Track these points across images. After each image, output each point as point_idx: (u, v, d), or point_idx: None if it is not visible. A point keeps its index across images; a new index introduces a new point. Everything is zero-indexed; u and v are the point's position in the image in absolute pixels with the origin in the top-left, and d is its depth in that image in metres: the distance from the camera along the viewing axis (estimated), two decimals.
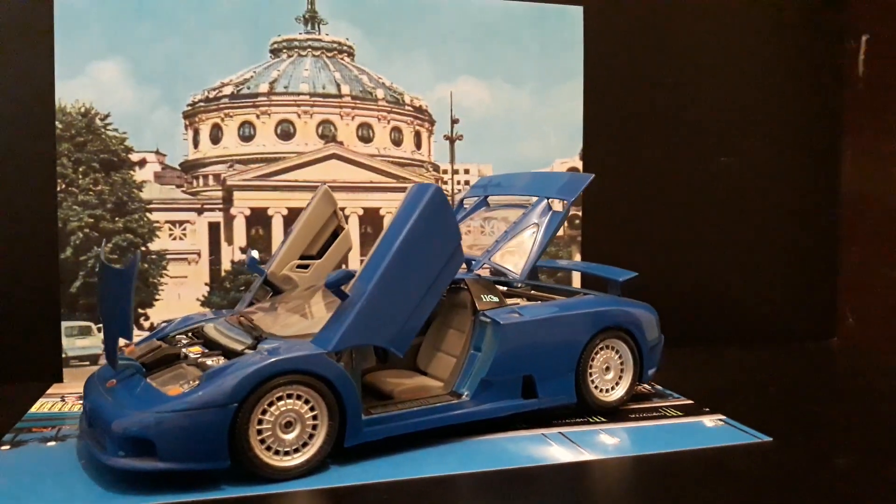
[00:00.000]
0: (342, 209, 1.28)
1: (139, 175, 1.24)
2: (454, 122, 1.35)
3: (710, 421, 1.03)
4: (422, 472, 0.85)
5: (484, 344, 0.98)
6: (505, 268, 1.04)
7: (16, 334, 1.21)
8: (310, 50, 1.29)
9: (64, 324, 1.22)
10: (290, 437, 0.83)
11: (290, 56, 1.28)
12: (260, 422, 0.81)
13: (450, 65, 1.34)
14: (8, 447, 0.93)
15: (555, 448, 0.92)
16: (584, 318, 1.04)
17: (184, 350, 0.94)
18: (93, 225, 1.22)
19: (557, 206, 1.08)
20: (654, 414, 1.06)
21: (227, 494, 0.79)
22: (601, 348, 1.05)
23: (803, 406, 1.13)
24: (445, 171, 1.35)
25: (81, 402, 0.95)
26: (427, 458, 0.89)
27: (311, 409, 0.84)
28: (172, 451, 0.78)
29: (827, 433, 1.01)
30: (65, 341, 1.22)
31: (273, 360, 0.81)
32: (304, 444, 0.84)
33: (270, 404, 0.82)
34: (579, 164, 1.39)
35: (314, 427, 0.84)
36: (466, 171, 1.36)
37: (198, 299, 1.26)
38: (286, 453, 0.83)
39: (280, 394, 0.82)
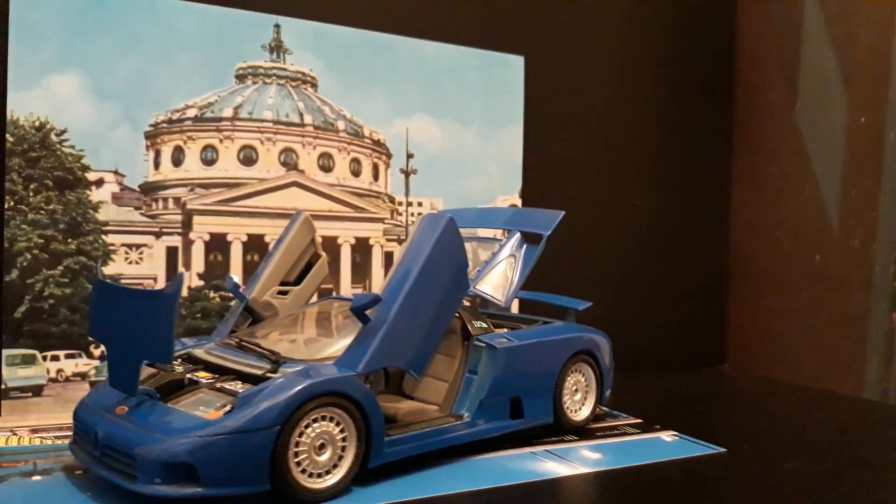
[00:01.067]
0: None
1: (95, 195, 1.18)
2: (409, 156, 1.40)
3: (666, 436, 1.14)
4: (440, 489, 0.89)
5: (480, 367, 1.03)
6: (490, 295, 1.11)
7: None
8: (275, 78, 1.30)
9: (5, 352, 1.13)
10: (323, 458, 0.84)
11: (255, 83, 1.28)
12: (297, 444, 0.82)
13: (406, 102, 1.40)
14: None
15: (549, 464, 0.99)
16: (561, 344, 1.12)
17: (188, 375, 0.92)
18: (43, 246, 1.14)
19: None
20: (616, 432, 1.16)
21: None
22: (571, 371, 1.14)
23: (735, 420, 1.29)
24: (400, 203, 1.40)
25: (75, 430, 0.89)
26: (439, 478, 0.93)
27: (341, 430, 0.85)
28: (215, 475, 0.77)
29: (767, 442, 1.16)
30: (4, 371, 1.13)
31: (314, 381, 0.83)
32: (335, 466, 0.85)
33: (307, 426, 0.82)
34: (519, 201, 1.49)
35: (343, 449, 0.86)
36: (420, 204, 1.41)
37: None
38: (318, 475, 0.84)
39: (316, 416, 0.83)
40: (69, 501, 0.81)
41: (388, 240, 1.39)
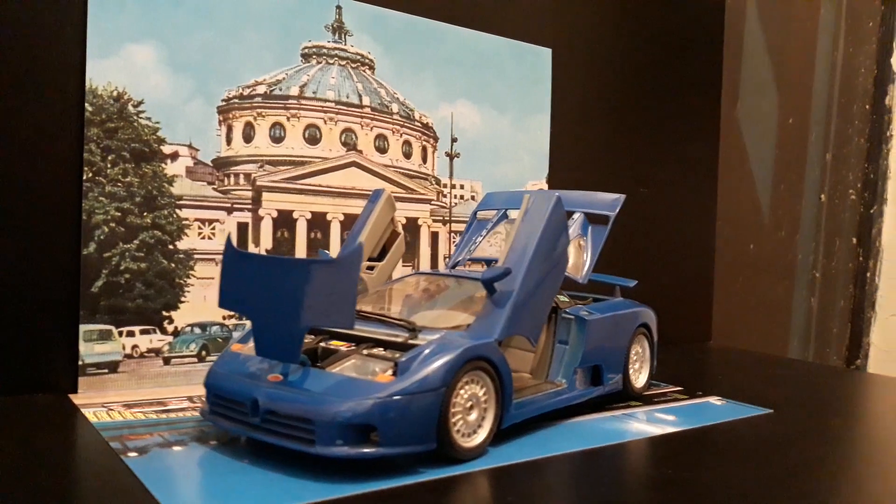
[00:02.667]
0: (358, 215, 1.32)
1: (170, 168, 1.16)
2: (454, 140, 1.45)
3: (714, 400, 1.25)
4: (559, 449, 0.95)
5: (570, 338, 1.10)
6: (569, 274, 1.18)
7: (26, 339, 1.07)
8: (336, 59, 1.31)
9: (83, 327, 1.10)
10: (471, 419, 0.89)
11: (318, 62, 1.30)
12: (454, 405, 0.86)
13: (451, 87, 1.44)
14: (136, 454, 0.85)
15: (637, 425, 1.08)
16: (630, 318, 1.21)
17: (321, 344, 0.94)
18: (119, 219, 1.12)
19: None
20: (668, 398, 1.26)
21: (428, 477, 0.83)
22: (634, 343, 1.23)
23: (757, 386, 1.42)
24: (445, 185, 1.45)
25: (215, 400, 0.89)
26: (552, 439, 0.99)
27: (484, 393, 0.90)
28: (392, 435, 0.81)
29: (803, 403, 1.29)
30: (82, 347, 1.10)
31: (469, 346, 0.87)
32: (479, 427, 0.90)
33: (461, 388, 0.87)
34: (546, 186, 1.57)
35: (485, 410, 0.91)
36: (462, 186, 1.47)
37: None
38: (467, 435, 0.88)
39: (468, 379, 0.88)
40: (231, 468, 0.82)
41: (434, 220, 1.44)
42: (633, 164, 1.75)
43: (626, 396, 1.21)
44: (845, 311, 2.81)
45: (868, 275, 2.79)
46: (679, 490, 0.83)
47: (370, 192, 1.34)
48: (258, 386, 0.85)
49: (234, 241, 0.92)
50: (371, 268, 1.16)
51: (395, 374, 0.84)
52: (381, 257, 1.18)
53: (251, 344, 0.97)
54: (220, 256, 1.17)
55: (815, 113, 2.72)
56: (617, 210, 1.23)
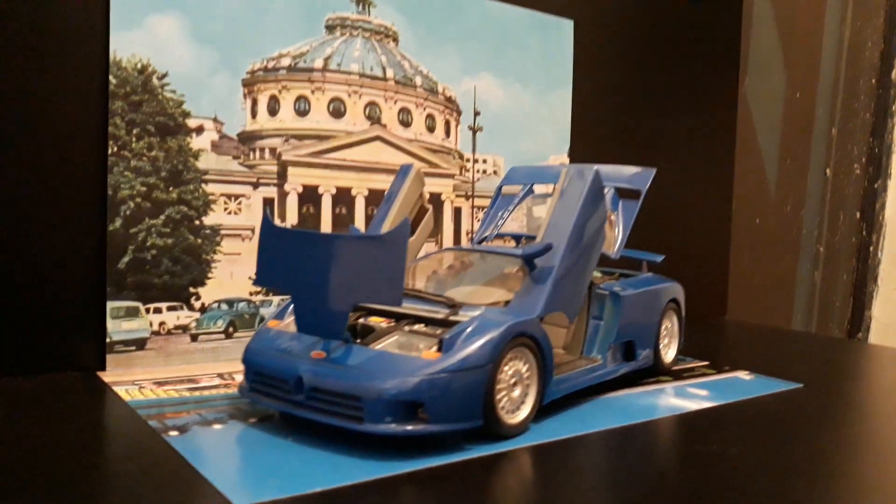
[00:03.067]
0: (383, 191, 1.30)
1: (196, 143, 1.14)
2: (476, 114, 1.43)
3: (743, 375, 1.25)
4: (601, 425, 0.94)
5: (605, 313, 1.10)
6: (602, 249, 1.17)
7: (53, 317, 1.05)
8: (360, 30, 1.29)
9: (110, 304, 1.08)
10: (515, 395, 0.88)
11: (343, 34, 1.27)
12: (498, 381, 0.85)
13: (474, 60, 1.42)
14: (176, 433, 0.84)
15: (673, 400, 1.08)
16: (661, 293, 1.20)
17: (360, 321, 0.93)
18: (145, 194, 1.10)
19: None
20: (697, 373, 1.26)
21: (475, 454, 0.82)
22: (663, 318, 1.22)
23: (781, 361, 1.42)
24: (468, 160, 1.43)
25: (255, 377, 0.88)
26: (592, 415, 0.98)
27: (527, 369, 0.90)
28: (440, 412, 0.80)
29: (832, 378, 1.28)
30: (110, 324, 1.08)
31: (514, 322, 0.86)
32: (522, 403, 0.89)
33: (505, 365, 0.86)
34: (567, 161, 1.56)
35: (527, 387, 0.90)
36: (484, 161, 1.45)
37: (250, 278, 1.19)
38: (511, 411, 0.88)
39: (512, 355, 0.87)
40: (275, 446, 0.81)
41: (457, 195, 1.42)
42: (652, 138, 1.73)
43: (656, 371, 1.21)
44: (848, 285, 2.82)
45: (871, 249, 2.79)
46: (718, 466, 0.83)
47: (394, 167, 1.32)
48: (301, 363, 0.84)
49: (272, 217, 0.90)
50: None
51: (439, 350, 0.83)
52: (410, 234, 1.16)
53: (288, 320, 0.96)
54: (246, 232, 1.16)
55: (821, 88, 2.71)
56: (648, 184, 1.22)
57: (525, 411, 0.89)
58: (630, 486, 0.77)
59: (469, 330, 0.85)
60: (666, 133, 1.76)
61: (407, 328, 0.89)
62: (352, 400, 0.80)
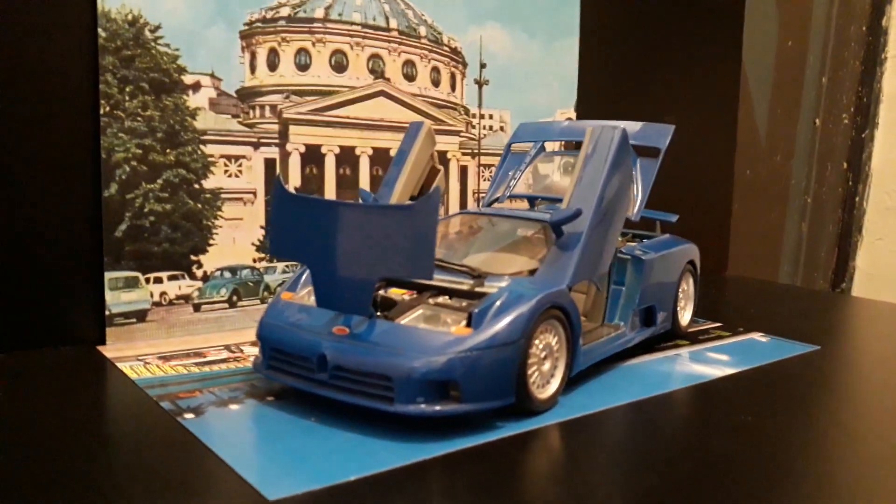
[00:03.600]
0: (388, 149, 1.25)
1: (193, 100, 1.07)
2: (482, 66, 1.36)
3: (759, 337, 1.23)
4: (630, 397, 0.91)
5: (627, 278, 1.06)
6: None
7: (48, 289, 0.99)
8: None
9: (107, 275, 1.02)
10: (545, 368, 0.84)
11: None
12: (530, 356, 0.82)
13: (479, 8, 1.35)
14: (192, 415, 0.79)
15: (695, 366, 1.05)
16: (680, 255, 1.17)
17: (380, 293, 0.88)
18: (141, 157, 1.03)
19: None
20: (713, 335, 1.23)
21: (508, 432, 0.78)
22: (681, 281, 1.19)
23: (792, 320, 1.40)
24: (474, 115, 1.37)
25: (272, 354, 0.84)
26: (617, 385, 0.95)
27: (557, 342, 0.86)
28: (474, 390, 0.76)
29: (847, 338, 1.27)
30: (108, 296, 1.02)
31: (545, 294, 0.82)
32: (552, 376, 0.86)
33: (536, 339, 0.82)
34: (574, 115, 1.50)
35: (556, 359, 0.86)
36: (490, 117, 1.39)
37: (253, 244, 1.14)
38: (541, 386, 0.84)
39: (543, 329, 0.83)
40: (299, 428, 0.77)
41: (463, 153, 1.37)
42: (658, 90, 1.68)
43: (673, 335, 1.18)
44: (833, 236, 2.83)
45: (857, 199, 2.79)
46: (751, 436, 0.81)
47: (399, 125, 1.26)
48: (323, 339, 0.79)
49: (285, 183, 0.84)
50: None
51: (469, 325, 0.79)
52: (421, 195, 1.11)
53: (303, 293, 0.91)
54: (248, 195, 1.10)
55: (813, 35, 2.66)
56: (667, 142, 1.17)
57: (554, 385, 0.86)
58: (666, 459, 0.75)
59: (499, 303, 0.80)
60: (671, 85, 1.70)
61: (431, 300, 0.85)
62: (381, 379, 0.76)
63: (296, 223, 0.81)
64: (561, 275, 0.88)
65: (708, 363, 1.06)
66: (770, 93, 2.60)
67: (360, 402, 0.76)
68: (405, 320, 0.81)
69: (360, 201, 1.05)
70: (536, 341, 0.82)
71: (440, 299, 0.85)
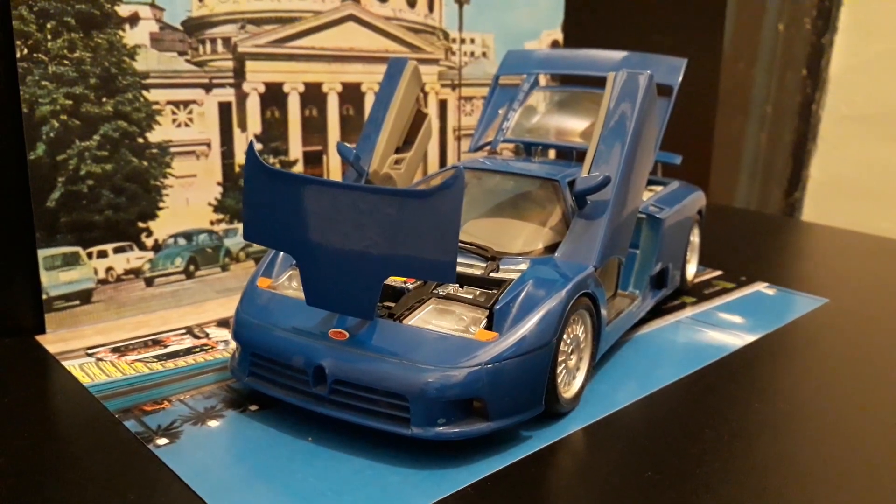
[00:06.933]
0: (359, 84, 1.09)
1: (130, 37, 0.88)
2: None
3: (765, 289, 1.15)
4: (657, 383, 0.82)
5: (642, 240, 0.95)
6: None
7: None
8: None
9: (41, 252, 0.85)
10: (572, 363, 0.74)
11: None
12: (560, 354, 0.71)
13: None
14: (166, 441, 0.66)
15: (710, 333, 0.96)
16: (690, 207, 1.06)
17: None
18: (71, 109, 0.85)
19: None
20: (716, 287, 1.15)
21: (539, 445, 0.68)
22: (690, 233, 1.09)
23: (787, 263, 1.33)
24: (454, 40, 1.20)
25: (254, 359, 0.70)
26: (640, 365, 0.86)
27: (583, 332, 0.75)
28: (501, 406, 0.65)
29: (853, 288, 1.20)
30: (44, 276, 0.86)
31: (574, 283, 0.70)
32: (576, 370, 0.76)
33: (566, 335, 0.71)
34: (560, 36, 1.35)
35: (582, 351, 0.76)
36: (472, 41, 1.23)
37: (210, 204, 0.98)
38: (567, 384, 0.74)
39: (572, 320, 0.72)
40: (296, 452, 0.65)
41: (443, 85, 1.21)
42: (649, 8, 1.53)
43: (679, 292, 1.09)
44: (789, 145, 2.78)
45: (813, 107, 2.74)
46: (790, 423, 0.73)
47: (371, 55, 1.09)
48: (319, 346, 0.67)
49: (256, 146, 0.68)
50: (399, 162, 0.95)
51: (490, 324, 0.67)
52: (407, 146, 0.96)
53: (283, 278, 0.77)
54: (201, 147, 0.94)
55: None
56: (680, 78, 1.04)
57: (579, 380, 0.76)
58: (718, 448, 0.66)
59: (523, 296, 0.69)
60: (662, 6, 1.56)
61: (441, 291, 0.72)
62: (393, 398, 0.64)
63: (277, 205, 0.66)
64: (587, 253, 0.76)
65: (722, 328, 0.98)
66: None
67: (368, 423, 0.65)
68: (414, 319, 0.69)
69: (340, 156, 0.90)
70: (565, 336, 0.71)
71: (450, 288, 0.73)
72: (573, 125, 1.05)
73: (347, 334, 0.67)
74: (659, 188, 1.06)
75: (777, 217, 2.34)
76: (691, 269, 1.12)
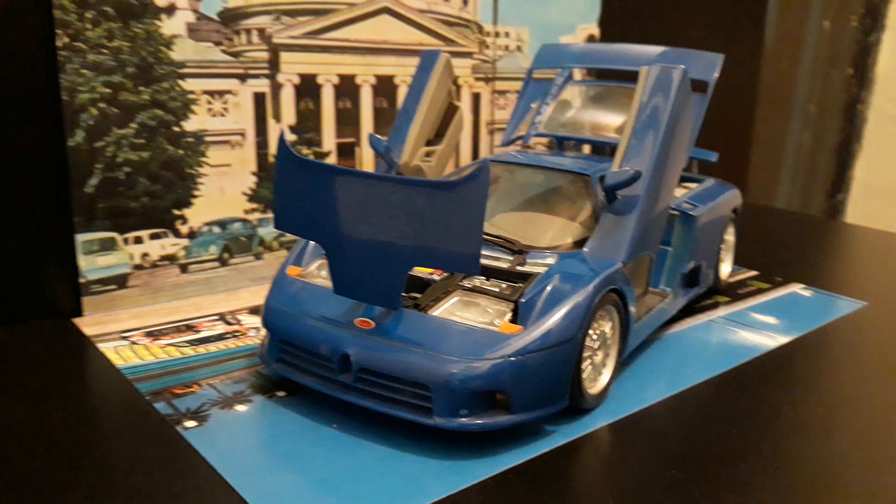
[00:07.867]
0: (392, 77, 1.09)
1: (167, 27, 0.89)
2: None
3: (801, 290, 1.13)
4: (686, 381, 0.81)
5: (675, 238, 0.94)
6: None
7: (13, 256, 0.84)
8: None
9: (79, 237, 0.88)
10: (598, 359, 0.73)
11: None
12: (585, 349, 0.70)
13: None
14: (194, 423, 0.68)
15: (742, 333, 0.95)
16: (725, 205, 1.05)
17: None
18: (110, 97, 0.86)
19: None
20: (750, 287, 1.13)
21: (562, 440, 0.68)
22: (725, 231, 1.07)
23: (828, 265, 1.30)
24: (487, 34, 1.20)
25: (282, 346, 0.71)
26: (670, 363, 0.85)
27: (611, 328, 0.75)
28: (525, 399, 0.65)
29: (886, 289, 1.17)
30: (82, 261, 0.88)
31: (601, 278, 0.70)
32: (603, 366, 0.75)
33: (592, 331, 0.71)
34: (597, 30, 1.34)
35: (608, 347, 0.75)
36: (506, 35, 1.22)
37: (244, 193, 0.99)
38: (593, 379, 0.73)
39: (598, 315, 0.71)
40: (320, 438, 0.66)
41: (476, 78, 1.21)
42: (686, 7, 1.51)
43: (712, 290, 1.08)
44: (833, 145, 2.72)
45: (859, 107, 2.67)
46: (822, 426, 0.72)
47: (405, 47, 1.10)
48: (345, 335, 0.67)
49: (287, 136, 0.69)
50: (429, 154, 0.95)
51: (515, 317, 0.67)
52: (438, 139, 0.96)
53: (312, 266, 0.78)
54: (236, 137, 0.95)
55: None
56: (716, 74, 1.03)
57: (606, 376, 0.75)
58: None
59: (549, 290, 0.68)
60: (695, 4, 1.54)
61: (467, 283, 0.72)
62: (416, 387, 0.64)
63: (306, 194, 0.67)
64: (616, 248, 0.75)
65: (756, 328, 0.96)
66: None
67: (391, 411, 0.65)
68: (439, 311, 0.69)
69: (371, 147, 0.90)
70: (591, 331, 0.71)
71: (476, 281, 0.73)
72: (607, 120, 1.04)
73: (373, 323, 0.68)
74: (693, 185, 1.05)
75: (818, 218, 2.28)
76: (725, 268, 1.11)
